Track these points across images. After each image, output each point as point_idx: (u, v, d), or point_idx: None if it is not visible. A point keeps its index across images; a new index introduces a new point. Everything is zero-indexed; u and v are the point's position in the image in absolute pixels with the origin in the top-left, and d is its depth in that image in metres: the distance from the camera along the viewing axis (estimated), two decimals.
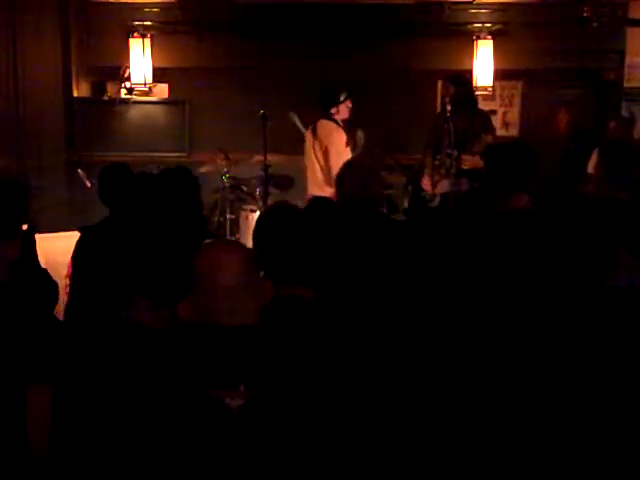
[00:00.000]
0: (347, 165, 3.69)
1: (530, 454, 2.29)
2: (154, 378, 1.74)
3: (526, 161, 3.15)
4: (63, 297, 3.66)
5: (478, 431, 2.48)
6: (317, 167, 5.56)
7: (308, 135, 5.66)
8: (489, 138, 5.37)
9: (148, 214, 3.33)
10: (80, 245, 3.63)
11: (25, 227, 2.64)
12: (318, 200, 3.57)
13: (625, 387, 2.23)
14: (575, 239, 2.72)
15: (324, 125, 5.62)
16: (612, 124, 6.38)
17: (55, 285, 3.00)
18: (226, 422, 1.65)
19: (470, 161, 5.25)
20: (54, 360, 2.38)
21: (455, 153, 5.06)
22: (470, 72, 7.13)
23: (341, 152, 5.49)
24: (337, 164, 5.44)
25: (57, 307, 3.28)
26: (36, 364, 2.33)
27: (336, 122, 5.62)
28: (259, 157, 5.76)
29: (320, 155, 5.56)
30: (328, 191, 5.44)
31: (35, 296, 2.60)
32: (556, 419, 2.28)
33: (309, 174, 5.71)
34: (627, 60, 7.08)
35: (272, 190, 5.91)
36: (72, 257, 3.68)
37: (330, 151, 5.53)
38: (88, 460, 1.97)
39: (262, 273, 2.25)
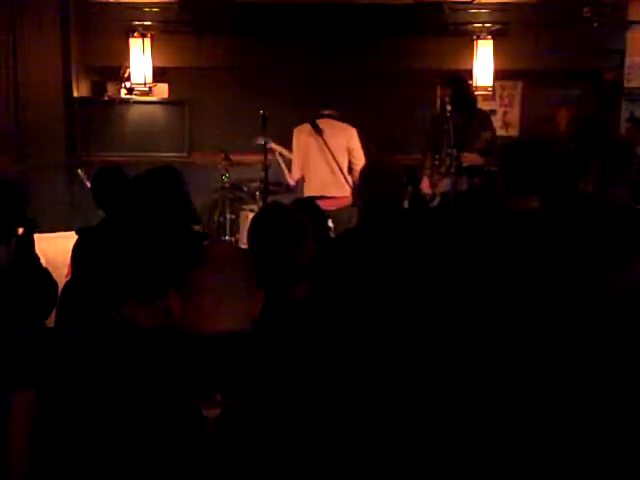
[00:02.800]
0: (372, 165, 3.68)
1: (530, 453, 2.29)
2: (132, 386, 1.72)
3: (543, 163, 3.14)
4: None
5: (479, 431, 2.47)
6: (335, 167, 5.51)
7: (312, 136, 5.60)
8: (487, 135, 5.38)
9: (141, 215, 3.32)
10: (77, 247, 3.63)
11: (21, 231, 2.60)
12: (302, 201, 3.57)
13: (627, 388, 2.23)
14: (581, 239, 2.72)
15: (337, 125, 5.63)
16: (627, 124, 6.41)
17: (55, 285, 2.99)
18: (201, 433, 1.62)
19: (469, 158, 5.26)
20: (39, 365, 2.35)
21: (455, 152, 5.06)
22: (470, 72, 7.13)
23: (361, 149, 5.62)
24: (363, 162, 5.54)
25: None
26: (21, 369, 2.30)
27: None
28: (259, 157, 5.75)
29: (340, 155, 5.52)
30: (349, 191, 5.45)
31: (29, 298, 2.58)
32: (557, 420, 2.28)
33: (319, 175, 5.66)
34: (627, 60, 7.09)
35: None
36: (70, 259, 3.67)
37: (355, 148, 5.61)
38: (66, 466, 1.96)
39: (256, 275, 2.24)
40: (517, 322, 2.69)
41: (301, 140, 5.70)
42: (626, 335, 2.23)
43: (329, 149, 5.45)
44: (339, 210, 5.38)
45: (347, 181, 5.49)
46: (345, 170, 5.56)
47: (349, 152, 5.60)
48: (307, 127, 5.61)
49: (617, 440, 2.14)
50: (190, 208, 3.51)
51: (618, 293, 2.28)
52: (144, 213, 3.31)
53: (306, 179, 5.80)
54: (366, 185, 3.39)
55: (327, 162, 5.55)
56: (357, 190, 3.52)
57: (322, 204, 4.59)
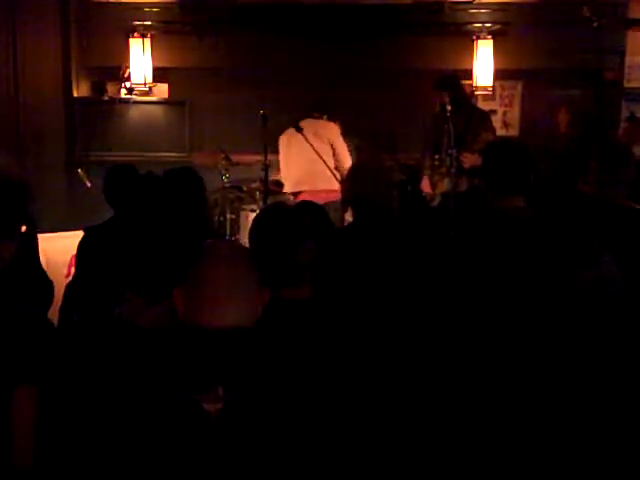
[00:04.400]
0: (356, 164, 3.69)
1: (528, 452, 2.29)
2: (134, 381, 1.73)
3: (523, 163, 3.15)
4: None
5: (478, 431, 2.48)
6: (318, 161, 5.53)
7: (293, 136, 5.65)
8: (489, 136, 5.37)
9: (152, 215, 3.33)
10: (83, 245, 3.63)
11: (24, 229, 2.61)
12: (307, 204, 3.58)
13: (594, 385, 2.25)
14: (570, 238, 2.73)
15: (318, 122, 5.74)
16: (625, 124, 6.41)
17: (51, 285, 2.99)
18: (203, 427, 1.63)
19: (469, 159, 5.25)
20: (41, 361, 2.36)
21: (455, 153, 5.06)
22: (470, 72, 7.13)
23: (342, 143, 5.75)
24: (348, 159, 5.72)
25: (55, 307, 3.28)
26: (23, 365, 2.31)
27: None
28: (259, 157, 5.76)
29: (322, 149, 5.56)
30: (338, 186, 5.50)
31: (29, 297, 2.59)
32: (553, 418, 2.28)
33: (298, 171, 5.75)
34: (627, 60, 7.09)
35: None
36: (75, 257, 3.68)
37: (335, 142, 5.73)
38: (69, 462, 1.97)
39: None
40: (498, 320, 2.70)
41: (283, 142, 5.88)
42: (591, 333, 2.25)
43: (310, 144, 5.48)
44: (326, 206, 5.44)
45: (334, 175, 5.51)
46: (331, 163, 5.61)
47: (331, 146, 5.68)
48: (289, 130, 5.73)
49: (592, 435, 2.15)
50: (203, 210, 3.53)
51: (585, 290, 2.30)
52: (156, 213, 3.32)
53: (284, 176, 5.93)
54: (351, 185, 3.40)
55: (307, 157, 5.57)
56: (344, 191, 3.52)
57: (303, 199, 4.62)
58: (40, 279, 2.90)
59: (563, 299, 2.32)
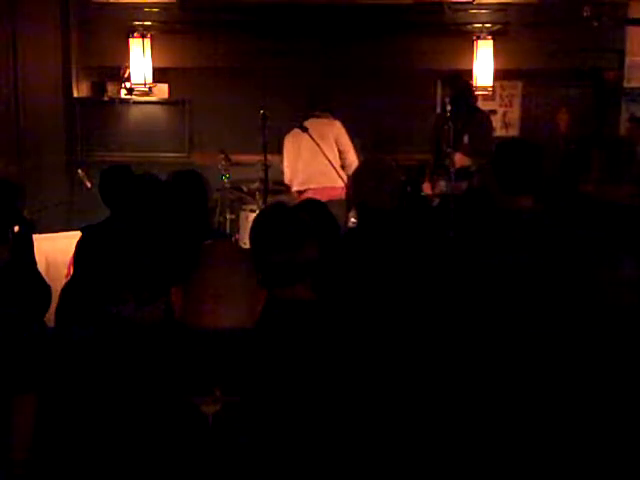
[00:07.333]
0: (363, 164, 3.68)
1: (527, 454, 2.29)
2: (131, 382, 1.72)
3: (535, 162, 3.14)
4: None
5: (478, 433, 2.47)
6: (323, 159, 5.55)
7: (299, 137, 5.67)
8: (465, 138, 5.38)
9: (149, 215, 3.33)
10: (81, 245, 3.63)
11: (17, 229, 2.60)
12: (310, 202, 3.58)
13: (617, 389, 2.23)
14: (579, 240, 2.72)
15: (321, 121, 5.78)
16: (629, 124, 6.41)
17: (48, 287, 2.99)
18: (201, 429, 1.63)
19: (460, 159, 5.26)
20: (39, 369, 2.35)
21: (453, 152, 5.07)
22: (470, 72, 7.13)
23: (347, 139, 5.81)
24: (354, 155, 5.77)
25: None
26: (22, 374, 2.30)
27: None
28: (259, 157, 5.76)
29: (327, 147, 5.59)
30: (341, 183, 5.52)
31: (25, 299, 2.58)
32: (557, 422, 2.28)
33: (306, 169, 5.78)
34: (627, 60, 7.09)
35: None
36: (73, 257, 3.67)
37: (340, 139, 5.78)
38: (67, 464, 1.97)
39: (259, 275, 2.25)
40: (512, 322, 2.69)
41: (289, 143, 5.90)
42: (615, 335, 2.24)
43: (316, 143, 5.50)
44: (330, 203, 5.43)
45: (339, 173, 5.53)
46: (336, 161, 5.63)
47: (337, 143, 5.73)
48: (294, 131, 5.74)
49: (610, 441, 2.13)
50: (205, 213, 3.53)
51: (609, 293, 2.28)
52: (152, 213, 3.32)
53: (290, 176, 5.94)
54: (355, 189, 3.40)
55: (314, 157, 5.60)
56: (349, 192, 3.52)
57: (307, 197, 4.62)
58: (37, 282, 2.89)
59: (586, 301, 2.29)
